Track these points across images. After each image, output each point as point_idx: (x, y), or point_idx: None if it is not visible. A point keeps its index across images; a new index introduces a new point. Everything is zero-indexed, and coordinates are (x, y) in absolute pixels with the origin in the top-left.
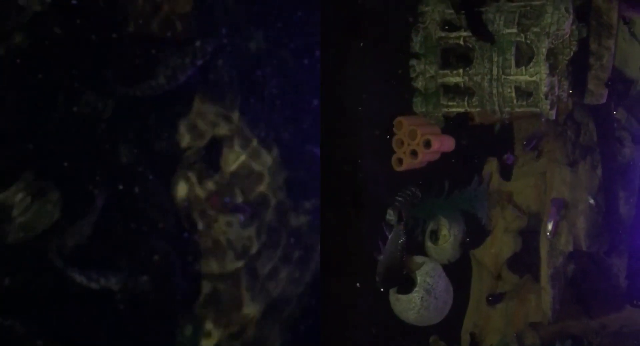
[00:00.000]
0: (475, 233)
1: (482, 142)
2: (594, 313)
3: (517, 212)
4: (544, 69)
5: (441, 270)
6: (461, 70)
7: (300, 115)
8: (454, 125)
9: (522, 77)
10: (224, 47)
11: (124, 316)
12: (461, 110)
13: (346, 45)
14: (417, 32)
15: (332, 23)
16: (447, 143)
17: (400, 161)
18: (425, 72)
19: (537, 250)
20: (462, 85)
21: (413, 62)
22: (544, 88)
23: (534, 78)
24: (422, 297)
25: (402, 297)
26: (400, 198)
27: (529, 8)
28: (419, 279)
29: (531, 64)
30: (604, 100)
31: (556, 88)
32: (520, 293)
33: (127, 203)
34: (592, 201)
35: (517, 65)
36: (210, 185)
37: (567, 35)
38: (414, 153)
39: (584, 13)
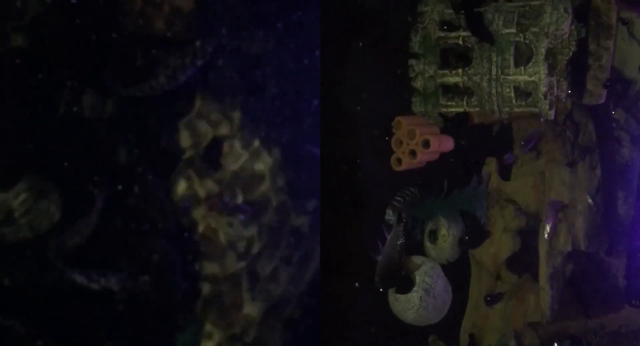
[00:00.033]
0: (475, 233)
1: (482, 142)
2: (593, 313)
3: (520, 214)
4: (542, 69)
5: (440, 269)
6: (460, 70)
7: (300, 115)
8: (453, 125)
9: (521, 77)
10: (224, 47)
11: (124, 316)
12: (460, 110)
13: (346, 45)
14: (416, 32)
15: (332, 23)
16: (446, 143)
17: (399, 161)
18: (424, 72)
19: (536, 249)
20: (461, 85)
21: (412, 62)
22: (542, 89)
23: (532, 78)
24: (420, 297)
25: (401, 297)
26: (399, 198)
27: (527, 8)
28: (417, 279)
29: (530, 64)
30: (602, 101)
31: (555, 89)
32: (519, 293)
33: (127, 203)
34: (590, 201)
35: (516, 65)
36: (210, 185)
37: (566, 36)
38: (413, 153)
39: (583, 13)
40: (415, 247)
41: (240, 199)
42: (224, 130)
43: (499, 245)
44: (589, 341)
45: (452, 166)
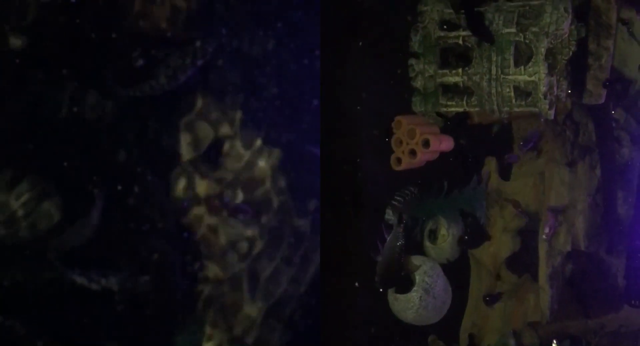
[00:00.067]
0: (474, 233)
1: (481, 142)
2: (593, 312)
3: (522, 214)
4: (542, 69)
5: (440, 269)
6: (460, 70)
7: (300, 115)
8: (452, 124)
9: (521, 77)
10: (224, 47)
11: (124, 316)
12: (460, 109)
13: (346, 45)
14: (416, 31)
15: (332, 23)
16: (445, 143)
17: (399, 160)
18: (424, 72)
19: (535, 249)
20: (461, 85)
21: (412, 61)
22: (542, 88)
23: (532, 78)
24: (420, 297)
25: (401, 297)
26: (399, 198)
27: (527, 8)
28: (417, 279)
29: (530, 64)
30: (602, 100)
31: (555, 88)
32: (519, 293)
33: (127, 203)
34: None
35: (516, 65)
36: (211, 185)
37: (566, 35)
38: (413, 153)
39: (583, 13)
40: (415, 246)
41: (240, 199)
42: (224, 130)
43: (499, 244)
44: (589, 341)
45: (452, 166)
